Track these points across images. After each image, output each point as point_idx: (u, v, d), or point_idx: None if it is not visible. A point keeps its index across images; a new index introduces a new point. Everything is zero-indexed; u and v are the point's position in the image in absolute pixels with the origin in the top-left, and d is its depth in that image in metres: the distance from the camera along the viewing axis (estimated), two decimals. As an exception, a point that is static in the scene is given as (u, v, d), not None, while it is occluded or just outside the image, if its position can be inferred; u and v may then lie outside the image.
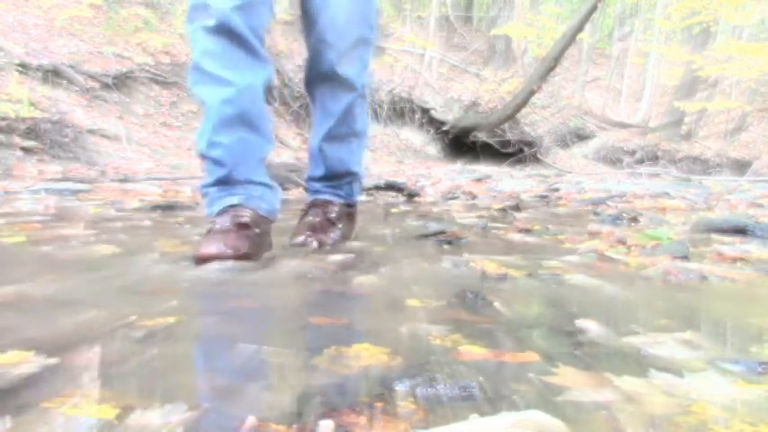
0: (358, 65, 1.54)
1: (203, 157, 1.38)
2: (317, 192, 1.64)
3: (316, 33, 1.49)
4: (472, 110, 11.23)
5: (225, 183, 1.36)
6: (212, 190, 1.37)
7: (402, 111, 10.93)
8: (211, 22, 1.27)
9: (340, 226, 1.56)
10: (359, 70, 1.55)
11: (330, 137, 1.58)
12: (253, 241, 1.27)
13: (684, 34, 15.95)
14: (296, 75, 8.78)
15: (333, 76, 1.51)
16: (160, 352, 0.66)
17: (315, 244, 1.43)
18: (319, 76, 1.54)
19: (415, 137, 11.09)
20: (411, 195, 3.69)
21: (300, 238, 1.45)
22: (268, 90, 1.42)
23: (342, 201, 1.63)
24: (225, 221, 1.30)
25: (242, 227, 1.29)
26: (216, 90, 1.31)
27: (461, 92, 11.74)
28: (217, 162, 1.35)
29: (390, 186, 3.91)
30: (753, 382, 0.61)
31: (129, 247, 1.44)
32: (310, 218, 1.54)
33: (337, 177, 1.62)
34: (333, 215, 1.57)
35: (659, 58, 16.04)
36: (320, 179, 1.63)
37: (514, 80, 11.74)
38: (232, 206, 1.33)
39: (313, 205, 1.60)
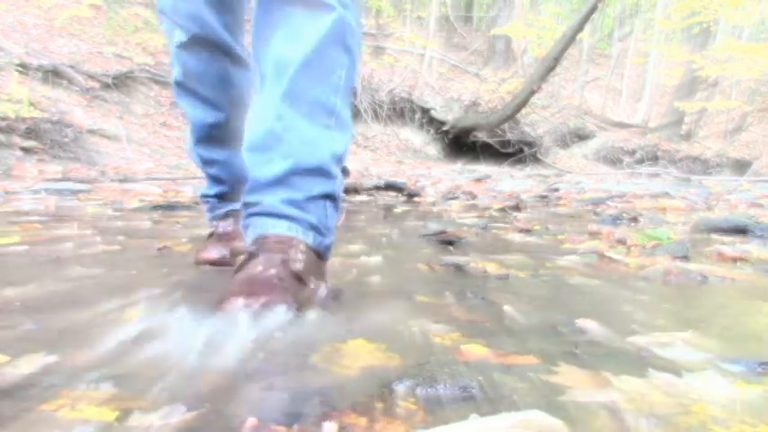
0: None
1: (200, 169, 1.33)
2: (265, 215, 0.91)
3: None
4: (472, 110, 11.23)
5: (226, 197, 1.31)
6: (213, 200, 1.33)
7: (402, 111, 10.93)
8: (184, 37, 1.10)
9: (311, 285, 0.86)
10: None
11: (292, 95, 0.91)
12: None
13: (684, 34, 15.94)
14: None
15: None
16: (158, 353, 0.66)
17: (266, 313, 0.77)
18: (266, 8, 0.95)
19: (415, 137, 11.09)
20: (411, 195, 3.69)
21: (239, 303, 0.77)
22: None
23: (311, 239, 0.92)
24: (227, 226, 1.28)
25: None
26: (203, 111, 1.19)
27: (461, 92, 11.74)
28: (215, 179, 1.29)
29: (390, 186, 3.91)
30: (753, 382, 0.61)
31: (128, 247, 1.44)
32: (259, 268, 0.82)
33: (304, 181, 0.92)
34: (299, 265, 0.86)
35: (659, 58, 16.04)
36: (273, 183, 0.91)
37: (514, 80, 11.74)
38: (234, 210, 1.31)
39: (262, 246, 0.87)
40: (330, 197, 0.96)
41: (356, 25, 0.97)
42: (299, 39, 0.91)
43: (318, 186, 0.93)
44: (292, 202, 0.91)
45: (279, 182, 0.91)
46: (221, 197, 1.31)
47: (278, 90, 0.91)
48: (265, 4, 0.94)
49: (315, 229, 0.92)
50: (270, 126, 0.91)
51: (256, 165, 0.93)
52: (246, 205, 0.94)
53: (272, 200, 0.90)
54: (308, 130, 0.92)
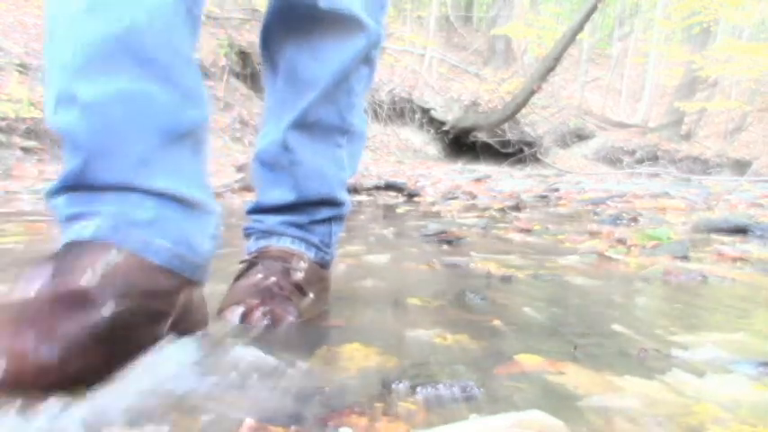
0: None
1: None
2: (268, 233, 0.91)
3: None
4: (472, 110, 11.24)
5: (78, 187, 0.66)
6: (59, 200, 0.66)
7: (402, 111, 10.93)
8: None
9: (311, 295, 0.85)
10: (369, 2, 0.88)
11: (304, 125, 0.88)
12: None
13: (684, 34, 15.96)
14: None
15: (317, 12, 0.83)
16: (152, 354, 0.65)
17: (266, 321, 0.75)
18: (291, 16, 0.86)
19: (415, 137, 11.09)
20: (411, 195, 3.69)
21: (238, 311, 0.76)
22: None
23: (313, 255, 0.92)
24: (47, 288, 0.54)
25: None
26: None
27: (461, 92, 11.75)
28: (68, 139, 0.67)
29: (390, 186, 3.91)
30: (756, 382, 0.61)
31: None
32: (259, 276, 0.82)
33: (309, 207, 0.92)
34: (299, 275, 0.85)
35: (659, 58, 16.06)
36: (278, 209, 0.91)
37: (514, 80, 11.74)
38: (80, 245, 0.59)
39: (263, 255, 0.87)
40: (335, 218, 0.96)
41: (382, 34, 0.92)
42: (324, 62, 0.86)
43: (324, 212, 0.93)
44: (296, 225, 0.91)
45: (284, 209, 0.91)
46: (70, 187, 0.67)
47: (290, 113, 0.88)
48: (288, 22, 0.87)
49: (316, 246, 0.93)
50: (275, 153, 0.90)
51: (263, 186, 0.93)
52: (250, 217, 0.95)
53: (275, 221, 0.92)
54: (315, 161, 0.90)
